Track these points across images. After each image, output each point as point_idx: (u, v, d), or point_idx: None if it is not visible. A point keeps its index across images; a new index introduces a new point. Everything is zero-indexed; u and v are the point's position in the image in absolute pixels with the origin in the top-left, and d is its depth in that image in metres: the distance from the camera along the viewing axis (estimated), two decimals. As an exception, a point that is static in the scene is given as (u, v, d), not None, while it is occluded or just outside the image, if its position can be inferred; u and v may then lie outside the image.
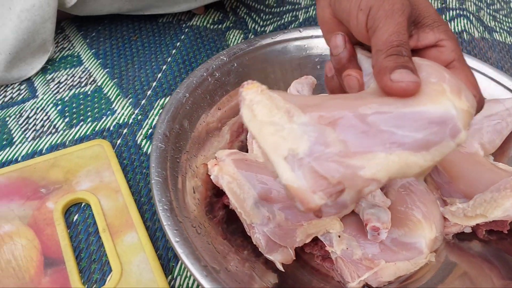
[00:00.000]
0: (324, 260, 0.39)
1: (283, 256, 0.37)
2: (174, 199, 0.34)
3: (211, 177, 0.40)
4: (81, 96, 0.57)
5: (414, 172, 0.25)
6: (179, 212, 0.33)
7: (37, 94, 0.57)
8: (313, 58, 0.52)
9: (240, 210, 0.37)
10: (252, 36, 0.69)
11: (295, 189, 0.24)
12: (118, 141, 0.52)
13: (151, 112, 0.55)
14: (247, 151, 0.45)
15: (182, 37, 0.68)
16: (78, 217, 0.44)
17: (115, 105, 0.56)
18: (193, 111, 0.42)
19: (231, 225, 0.39)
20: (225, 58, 0.47)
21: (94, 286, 0.39)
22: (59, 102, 0.56)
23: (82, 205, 0.45)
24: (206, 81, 0.45)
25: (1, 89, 0.58)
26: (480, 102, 0.29)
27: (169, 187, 0.34)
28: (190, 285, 0.39)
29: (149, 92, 0.58)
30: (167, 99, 0.57)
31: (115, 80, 0.60)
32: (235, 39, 0.68)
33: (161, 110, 0.55)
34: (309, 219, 0.38)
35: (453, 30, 0.71)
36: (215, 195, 0.40)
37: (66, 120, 0.54)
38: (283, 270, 0.36)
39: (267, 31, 0.70)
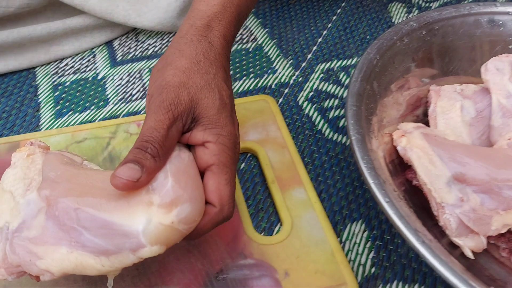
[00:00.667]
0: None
1: (474, 243, 0.34)
2: (374, 159, 0.32)
3: (398, 148, 0.37)
4: (243, 52, 0.58)
5: (92, 273, 0.27)
6: (381, 173, 0.32)
7: (202, 44, 0.59)
8: (506, 37, 0.46)
9: (430, 187, 0.35)
10: (416, 12, 0.64)
11: None
12: (280, 100, 0.51)
13: (312, 76, 0.54)
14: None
15: (343, 4, 0.65)
16: (244, 165, 0.44)
17: (276, 65, 0.56)
18: (381, 74, 0.40)
19: (411, 201, 0.37)
20: (415, 24, 0.44)
21: (262, 234, 0.39)
22: (223, 55, 0.57)
23: (248, 156, 0.45)
24: (394, 46, 0.42)
25: (165, 37, 0.60)
26: (221, 212, 0.29)
27: (367, 147, 0.33)
28: (360, 251, 0.38)
29: (309, 56, 0.57)
30: (328, 64, 0.56)
31: (275, 40, 0.60)
32: (398, 12, 0.64)
33: (321, 75, 0.54)
34: (508, 208, 0.34)
35: None
36: (399, 166, 0.38)
37: (231, 73, 0.55)
38: (473, 258, 0.33)
39: (432, 7, 0.65)
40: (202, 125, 0.31)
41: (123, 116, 0.49)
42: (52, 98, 0.51)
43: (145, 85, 0.53)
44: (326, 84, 0.54)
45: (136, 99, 0.51)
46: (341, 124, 0.49)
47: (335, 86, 0.53)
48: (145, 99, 0.51)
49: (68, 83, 0.53)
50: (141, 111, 0.50)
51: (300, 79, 0.54)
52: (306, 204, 0.40)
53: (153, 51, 0.58)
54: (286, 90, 0.53)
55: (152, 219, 0.26)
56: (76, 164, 0.32)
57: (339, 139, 0.47)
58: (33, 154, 0.31)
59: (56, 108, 0.50)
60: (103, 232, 0.26)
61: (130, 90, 0.52)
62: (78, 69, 0.55)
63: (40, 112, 0.49)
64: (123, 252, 0.26)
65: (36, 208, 0.28)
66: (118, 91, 0.52)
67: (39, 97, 0.51)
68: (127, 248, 0.26)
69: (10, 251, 0.27)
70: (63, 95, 0.51)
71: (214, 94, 0.31)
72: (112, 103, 0.51)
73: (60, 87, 0.52)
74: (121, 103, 0.51)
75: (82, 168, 0.32)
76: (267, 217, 0.40)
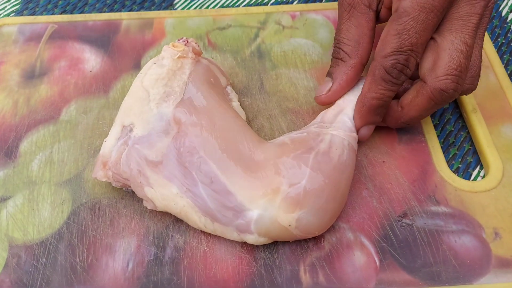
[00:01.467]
0: None
1: None
2: None
3: None
4: None
5: (193, 225, 0.25)
6: None
7: None
8: None
9: None
10: None
11: (99, 155, 0.26)
12: (475, 6, 0.39)
13: (521, -21, 0.40)
14: None
15: None
16: (427, 85, 0.34)
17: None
18: None
19: None
20: None
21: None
22: None
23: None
24: None
25: None
26: (378, 68, 0.25)
27: None
28: None
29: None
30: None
31: None
32: None
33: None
34: None
35: None
36: None
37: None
38: None
39: None
40: None
41: (272, 4, 0.40)
42: (187, -26, 0.42)
43: (298, -30, 0.42)
44: (541, -8, 0.39)
45: (287, -15, 0.41)
46: None
47: (553, -4, 0.39)
48: (298, -13, 0.41)
49: (205, -42, 0.44)
50: (293, 0, 0.40)
51: (504, -18, 0.40)
52: (523, 147, 0.29)
53: None
54: (483, -5, 0.39)
55: (270, 211, 0.23)
56: (219, 87, 0.29)
57: None
58: (185, 58, 0.28)
59: (193, -14, 0.41)
60: (218, 198, 0.24)
61: (280, -26, 0.42)
62: None
63: (175, -11, 0.41)
64: (229, 227, 0.24)
65: (166, 128, 0.25)
66: (264, -26, 0.42)
67: (173, -29, 0.43)
68: (235, 225, 0.24)
69: (125, 160, 0.25)
70: (200, -28, 0.42)
71: None
72: (258, -13, 0.41)
73: (196, -38, 0.43)
74: (269, -11, 0.41)
75: (224, 98, 0.29)
76: (461, 155, 0.30)
